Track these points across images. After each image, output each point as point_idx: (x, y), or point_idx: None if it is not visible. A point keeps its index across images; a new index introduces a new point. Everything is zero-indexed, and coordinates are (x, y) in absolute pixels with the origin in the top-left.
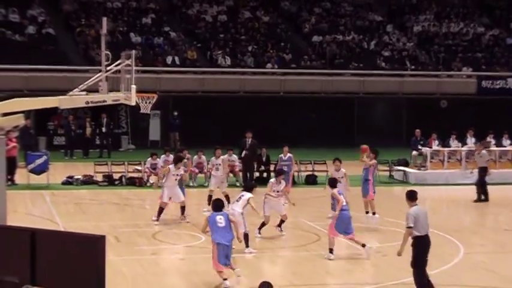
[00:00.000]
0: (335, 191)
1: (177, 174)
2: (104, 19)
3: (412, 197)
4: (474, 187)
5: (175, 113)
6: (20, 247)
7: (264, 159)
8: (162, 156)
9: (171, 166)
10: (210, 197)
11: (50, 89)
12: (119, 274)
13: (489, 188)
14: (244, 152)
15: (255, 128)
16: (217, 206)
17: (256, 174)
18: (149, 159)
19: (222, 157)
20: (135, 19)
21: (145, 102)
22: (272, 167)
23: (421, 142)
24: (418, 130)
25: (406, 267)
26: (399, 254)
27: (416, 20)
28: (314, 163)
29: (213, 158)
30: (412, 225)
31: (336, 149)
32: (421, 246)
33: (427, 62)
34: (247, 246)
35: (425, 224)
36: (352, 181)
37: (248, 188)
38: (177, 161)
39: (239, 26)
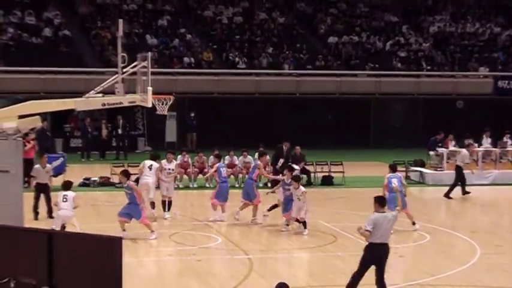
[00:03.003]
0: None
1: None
2: (120, 21)
3: (381, 202)
4: (490, 187)
5: (192, 114)
6: (37, 249)
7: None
8: (179, 156)
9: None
10: (163, 202)
11: (66, 91)
12: (135, 275)
13: (506, 188)
14: (281, 161)
15: (271, 129)
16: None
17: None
18: (164, 161)
19: (174, 162)
20: (150, 21)
21: (162, 104)
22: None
23: (439, 144)
24: (441, 133)
25: (422, 268)
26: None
27: (432, 20)
28: (330, 164)
29: (164, 161)
30: (369, 229)
31: (352, 149)
32: (370, 253)
33: (443, 63)
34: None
35: (385, 232)
36: (369, 182)
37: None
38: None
39: (255, 27)
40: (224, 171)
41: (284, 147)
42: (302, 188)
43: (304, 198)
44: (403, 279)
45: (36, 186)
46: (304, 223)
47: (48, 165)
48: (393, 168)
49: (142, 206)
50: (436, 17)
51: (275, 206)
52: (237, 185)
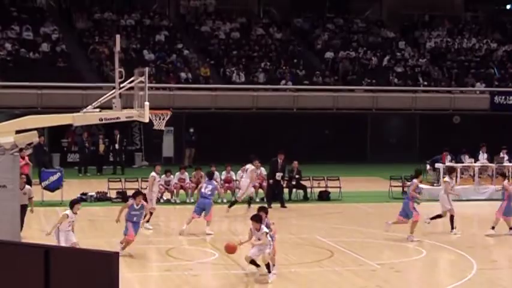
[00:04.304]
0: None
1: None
2: (117, 36)
3: None
4: (486, 203)
5: (192, 130)
6: (34, 264)
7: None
8: (177, 173)
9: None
10: (151, 214)
11: (64, 106)
12: None
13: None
14: (278, 175)
15: (267, 144)
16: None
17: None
18: (163, 176)
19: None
20: (148, 36)
21: (159, 119)
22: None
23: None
24: (446, 153)
25: (419, 283)
26: None
27: (429, 36)
28: (327, 179)
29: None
30: None
31: (348, 164)
32: None
33: (439, 78)
34: None
35: None
36: (366, 197)
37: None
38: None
39: (252, 43)
40: (204, 187)
41: (279, 160)
42: (264, 229)
43: (267, 240)
44: None
45: None
46: (267, 265)
47: (27, 186)
48: None
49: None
50: (432, 33)
51: (439, 216)
52: (233, 199)
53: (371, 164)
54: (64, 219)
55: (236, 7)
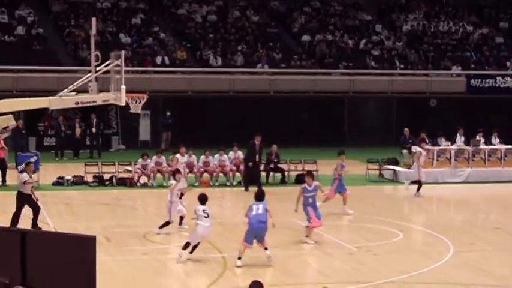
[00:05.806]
0: None
1: None
2: (93, 19)
3: None
4: (463, 185)
5: (168, 113)
6: (10, 248)
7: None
8: (154, 157)
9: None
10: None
11: (40, 90)
12: (110, 274)
13: (479, 186)
14: (257, 157)
15: (245, 128)
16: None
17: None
18: (140, 159)
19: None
20: (124, 19)
21: (135, 103)
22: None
23: (411, 141)
24: (407, 129)
25: (396, 266)
26: None
27: (406, 19)
28: (304, 162)
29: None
30: None
31: (326, 148)
32: None
33: (416, 61)
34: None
35: None
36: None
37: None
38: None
39: (229, 25)
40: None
41: (256, 142)
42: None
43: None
44: (376, 277)
45: (21, 197)
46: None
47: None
48: None
49: None
50: (409, 16)
51: None
52: (211, 184)
53: (348, 147)
54: (174, 188)
55: None
